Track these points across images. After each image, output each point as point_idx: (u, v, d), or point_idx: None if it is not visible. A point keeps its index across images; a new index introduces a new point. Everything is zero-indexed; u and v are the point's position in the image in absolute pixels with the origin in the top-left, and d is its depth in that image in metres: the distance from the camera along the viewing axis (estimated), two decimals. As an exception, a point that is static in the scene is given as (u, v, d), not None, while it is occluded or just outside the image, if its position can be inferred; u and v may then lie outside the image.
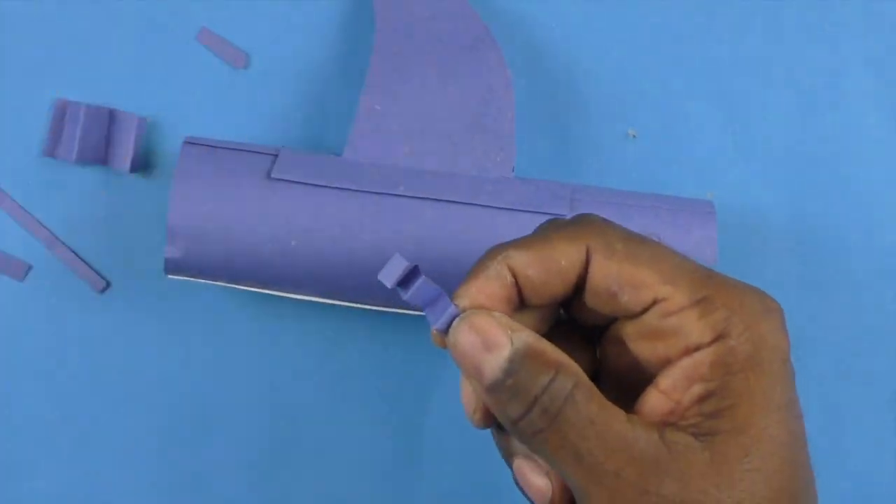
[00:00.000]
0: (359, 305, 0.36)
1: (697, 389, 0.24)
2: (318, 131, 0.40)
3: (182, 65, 0.40)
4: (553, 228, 0.26)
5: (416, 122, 0.36)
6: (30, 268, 0.40)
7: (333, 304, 0.36)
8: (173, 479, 0.39)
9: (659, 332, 0.25)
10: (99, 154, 0.39)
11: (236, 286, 0.36)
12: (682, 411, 0.24)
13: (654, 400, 0.25)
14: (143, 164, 0.40)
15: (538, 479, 0.26)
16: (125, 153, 0.39)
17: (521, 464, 0.26)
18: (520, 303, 0.26)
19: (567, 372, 0.24)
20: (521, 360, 0.24)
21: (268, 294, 0.36)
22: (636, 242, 0.26)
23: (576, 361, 0.24)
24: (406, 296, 0.25)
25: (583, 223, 0.26)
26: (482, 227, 0.35)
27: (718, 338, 0.24)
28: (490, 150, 0.36)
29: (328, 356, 0.40)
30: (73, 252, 0.40)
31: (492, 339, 0.24)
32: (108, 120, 0.39)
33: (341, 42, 0.41)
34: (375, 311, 0.36)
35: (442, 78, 0.37)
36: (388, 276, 0.25)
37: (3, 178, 0.40)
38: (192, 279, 0.36)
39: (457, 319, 0.25)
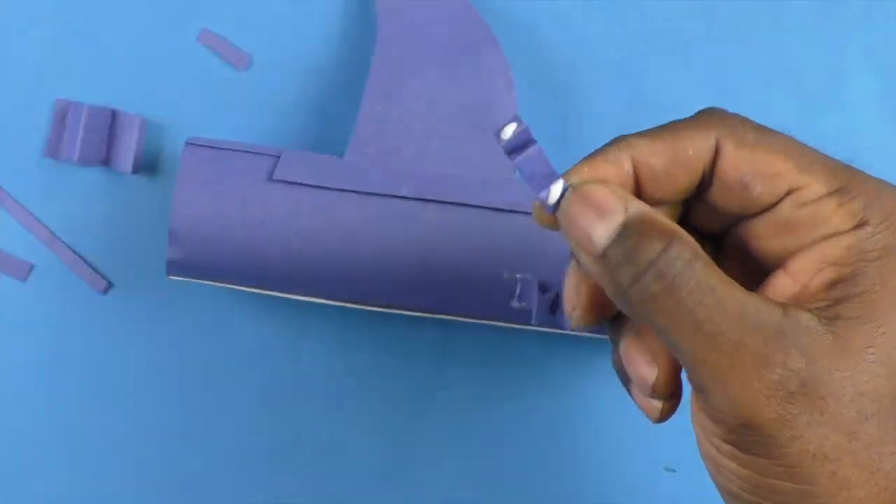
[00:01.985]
0: (361, 306, 0.36)
1: (829, 273, 0.23)
2: (320, 132, 0.40)
3: (183, 66, 0.40)
4: (678, 121, 0.25)
5: (418, 124, 0.37)
6: (32, 268, 0.40)
7: (335, 305, 0.36)
8: (174, 480, 0.39)
9: (792, 224, 0.24)
10: (101, 155, 0.39)
11: (238, 287, 0.36)
12: (809, 295, 0.23)
13: (781, 281, 0.24)
14: (145, 164, 0.40)
15: (644, 367, 0.24)
16: (127, 154, 0.39)
17: (629, 344, 0.25)
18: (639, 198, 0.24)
19: (685, 242, 0.22)
20: (637, 226, 0.22)
21: (269, 295, 0.36)
22: (767, 132, 0.24)
23: None
24: (516, 159, 0.24)
25: (711, 113, 0.25)
26: (484, 229, 0.35)
27: (858, 226, 0.23)
28: (492, 151, 0.36)
29: (329, 357, 0.40)
30: (75, 252, 0.40)
31: (605, 206, 0.23)
32: (110, 120, 0.39)
33: (343, 43, 0.41)
34: (377, 312, 0.36)
35: (444, 79, 0.37)
36: (502, 134, 0.24)
37: (5, 179, 0.40)
38: (193, 280, 0.36)
39: (569, 191, 0.24)
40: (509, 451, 0.40)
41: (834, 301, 0.22)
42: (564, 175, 0.24)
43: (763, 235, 0.25)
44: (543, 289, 0.34)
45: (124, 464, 0.39)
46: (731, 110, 0.41)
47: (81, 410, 0.39)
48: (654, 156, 0.24)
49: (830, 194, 0.23)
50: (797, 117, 0.41)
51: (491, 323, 0.36)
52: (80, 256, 0.40)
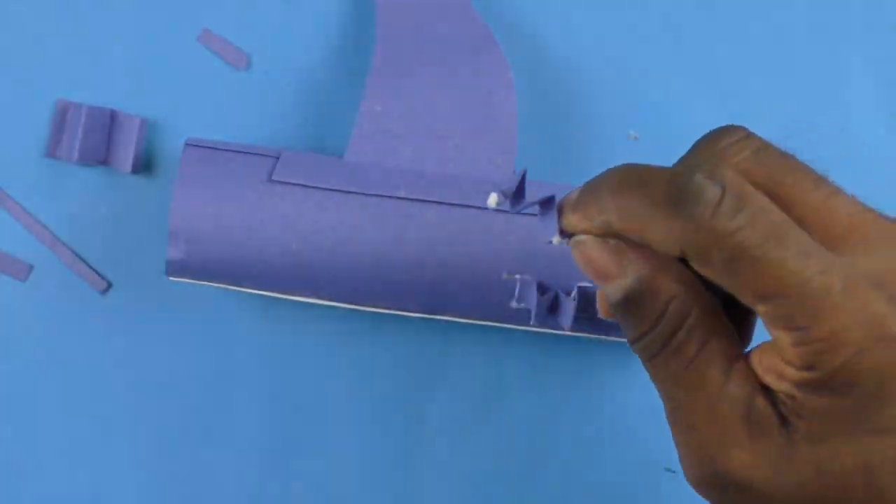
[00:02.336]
0: (360, 307, 0.36)
1: (781, 393, 0.23)
2: (319, 132, 0.40)
3: (183, 66, 0.40)
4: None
5: (418, 124, 0.36)
6: (31, 268, 0.40)
7: (334, 306, 0.36)
8: (174, 480, 0.39)
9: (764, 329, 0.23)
10: (100, 155, 0.39)
11: (237, 288, 0.36)
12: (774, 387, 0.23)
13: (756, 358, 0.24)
14: (145, 164, 0.40)
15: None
16: (127, 154, 0.39)
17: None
18: None
19: (682, 305, 0.23)
20: (636, 297, 0.23)
21: (269, 295, 0.36)
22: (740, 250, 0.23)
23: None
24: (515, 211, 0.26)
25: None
26: (484, 229, 0.35)
27: (806, 368, 0.22)
28: (492, 151, 0.36)
29: (329, 357, 0.40)
30: (75, 253, 0.40)
31: (606, 272, 0.24)
32: (110, 121, 0.39)
33: (342, 43, 0.41)
34: (376, 312, 0.36)
35: (443, 79, 0.37)
36: (488, 203, 0.26)
37: (5, 179, 0.40)
38: (193, 281, 0.36)
39: (572, 248, 0.25)
40: (509, 451, 0.40)
41: (781, 420, 0.22)
42: (562, 219, 0.25)
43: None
44: (542, 289, 0.34)
45: (124, 463, 0.39)
46: (731, 112, 0.41)
47: (80, 410, 0.39)
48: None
49: (789, 329, 0.22)
50: (796, 118, 0.41)
51: (490, 323, 0.36)
52: (79, 256, 0.40)
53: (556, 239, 0.25)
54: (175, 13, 0.40)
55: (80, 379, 0.39)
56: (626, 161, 0.25)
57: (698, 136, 0.26)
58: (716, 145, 0.24)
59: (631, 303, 0.23)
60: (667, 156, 0.41)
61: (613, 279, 0.24)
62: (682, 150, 0.41)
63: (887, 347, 0.21)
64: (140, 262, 0.40)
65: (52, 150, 0.39)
